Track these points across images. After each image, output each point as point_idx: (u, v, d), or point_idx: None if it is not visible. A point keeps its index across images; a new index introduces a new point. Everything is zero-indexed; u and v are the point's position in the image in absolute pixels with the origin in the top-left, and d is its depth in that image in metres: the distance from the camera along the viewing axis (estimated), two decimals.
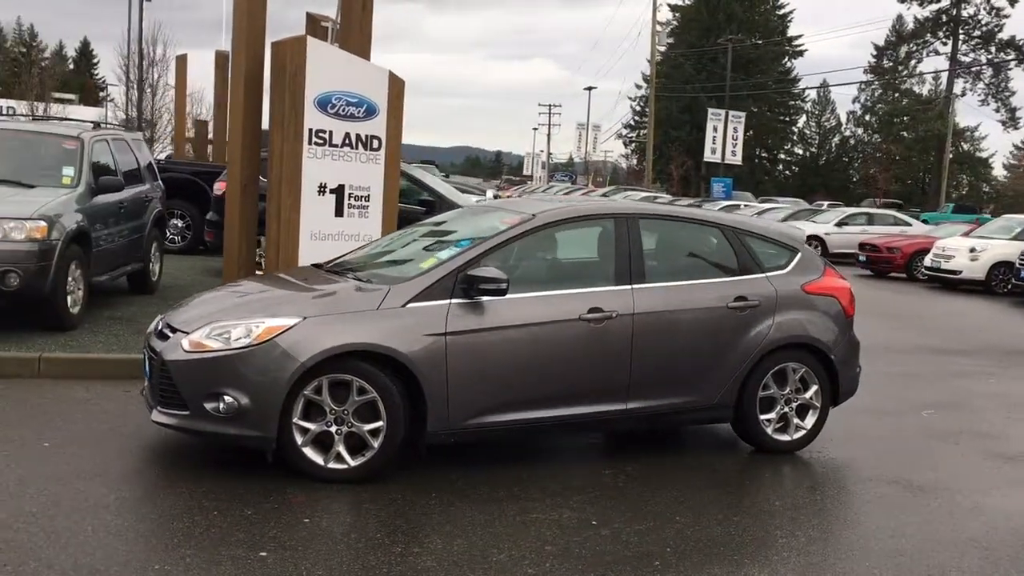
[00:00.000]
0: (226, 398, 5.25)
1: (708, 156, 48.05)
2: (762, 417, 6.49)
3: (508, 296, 5.75)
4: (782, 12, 73.69)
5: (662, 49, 70.83)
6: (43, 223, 8.22)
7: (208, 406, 5.29)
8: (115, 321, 9.30)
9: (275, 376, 5.24)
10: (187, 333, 5.47)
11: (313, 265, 6.76)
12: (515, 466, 5.89)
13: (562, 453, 6.35)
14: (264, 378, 5.25)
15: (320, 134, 9.44)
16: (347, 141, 9.61)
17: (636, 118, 74.52)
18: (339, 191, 9.66)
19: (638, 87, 74.57)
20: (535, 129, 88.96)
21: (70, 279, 8.63)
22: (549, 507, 5.21)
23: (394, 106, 9.91)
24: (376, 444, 5.40)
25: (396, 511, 5.06)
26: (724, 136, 46.59)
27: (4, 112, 35.84)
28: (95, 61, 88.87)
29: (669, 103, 68.96)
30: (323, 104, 9.47)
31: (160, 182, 11.96)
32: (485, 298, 5.65)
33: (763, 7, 72.80)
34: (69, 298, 8.64)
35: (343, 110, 9.57)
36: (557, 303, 5.91)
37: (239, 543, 4.46)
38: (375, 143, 9.82)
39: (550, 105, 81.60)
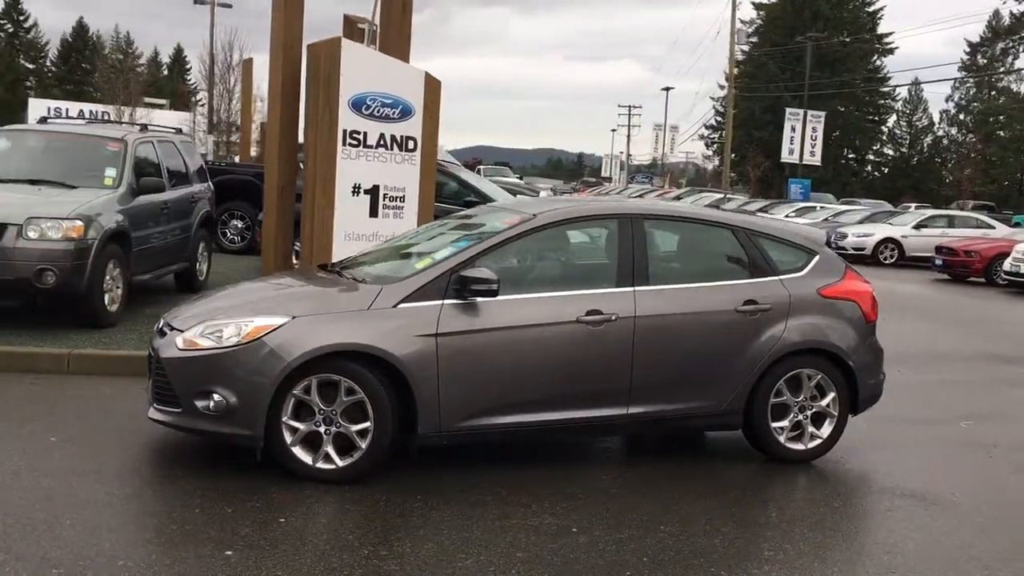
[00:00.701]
0: (215, 396, 5.30)
1: (785, 156, 47.00)
2: (774, 425, 6.28)
3: (504, 297, 5.69)
4: (871, 9, 71.76)
5: (745, 48, 69.76)
6: (79, 223, 8.44)
7: (199, 404, 5.34)
8: (154, 319, 9.42)
9: (262, 375, 5.26)
10: (182, 331, 5.53)
11: (319, 266, 6.78)
12: (511, 470, 5.82)
13: (563, 457, 6.24)
14: (251, 377, 5.27)
15: (354, 135, 9.51)
16: (382, 142, 9.67)
17: (718, 119, 73.48)
18: (373, 191, 9.72)
19: (720, 87, 73.53)
20: (613, 131, 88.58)
21: (108, 278, 8.84)
22: (533, 512, 5.12)
23: (430, 107, 9.93)
24: (364, 445, 5.38)
25: (376, 513, 5.03)
26: (802, 136, 45.52)
27: (91, 117, 37.11)
28: (187, 67, 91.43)
29: (752, 103, 67.84)
30: (358, 105, 9.54)
31: (210, 184, 12.20)
32: (480, 299, 5.60)
33: (852, 4, 71.02)
34: (107, 296, 8.85)
35: (378, 111, 9.63)
36: (554, 305, 5.81)
37: (209, 541, 4.48)
38: (410, 144, 9.86)
39: (629, 106, 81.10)
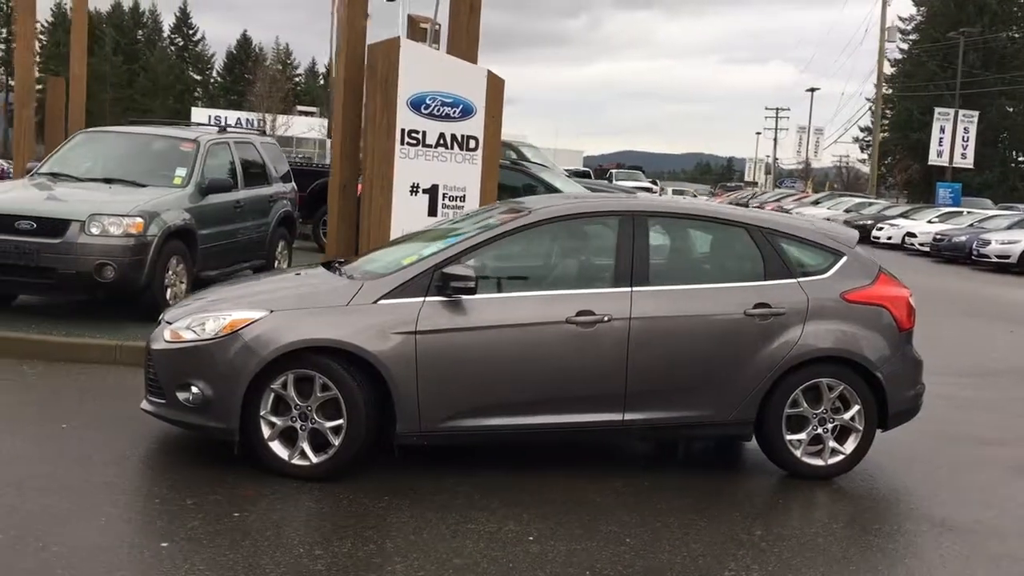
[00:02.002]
0: (193, 388, 5.35)
1: (933, 159, 44.46)
2: (789, 438, 5.86)
3: (490, 295, 5.54)
4: None
5: (902, 47, 66.65)
6: (140, 219, 8.75)
7: (180, 396, 5.41)
8: None
9: (236, 368, 5.27)
10: (170, 324, 5.61)
11: (323, 263, 6.72)
12: (495, 473, 5.63)
13: (555, 463, 5.93)
14: (226, 370, 5.29)
15: (413, 134, 9.51)
16: (441, 141, 9.63)
17: (874, 120, 70.36)
18: (432, 191, 9.68)
19: (876, 87, 70.41)
20: (758, 134, 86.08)
21: (170, 273, 9.13)
22: (497, 518, 4.93)
23: (492, 106, 9.83)
24: (337, 442, 5.32)
25: (333, 512, 4.96)
26: (952, 137, 42.96)
27: (245, 124, 38.76)
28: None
29: (909, 104, 64.69)
30: (416, 105, 9.53)
31: (293, 184, 12.48)
32: (465, 297, 5.45)
33: None
34: (169, 291, 9.13)
35: (438, 110, 9.59)
36: (543, 304, 5.60)
37: (151, 532, 4.52)
38: (471, 143, 9.78)
39: (777, 109, 78.54)
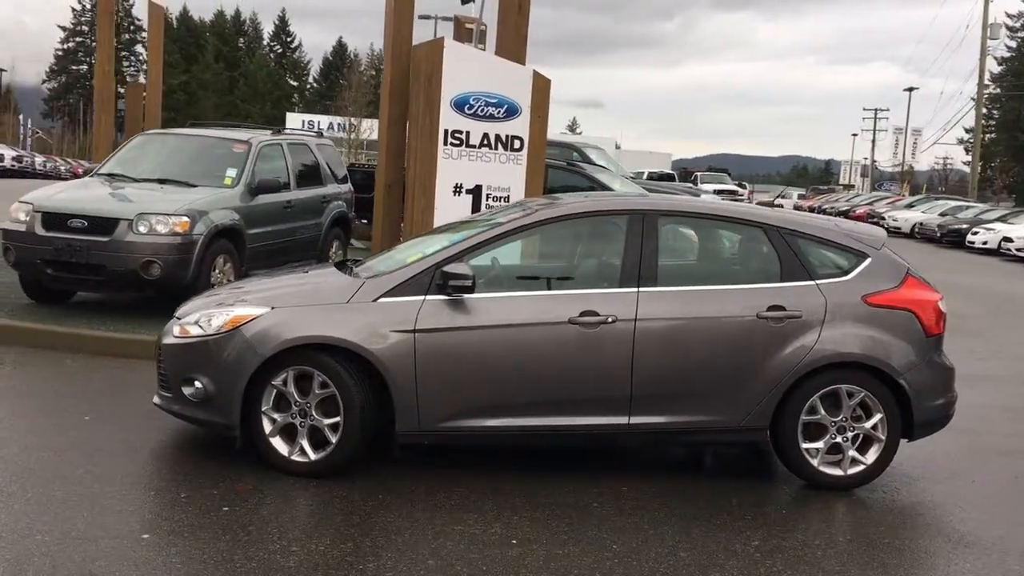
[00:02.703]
0: (196, 383, 5.42)
1: None
2: (805, 446, 5.64)
3: (491, 295, 5.48)
4: None
5: (1011, 44, 64.11)
6: (186, 218, 8.95)
7: (185, 390, 5.48)
8: None
9: (236, 364, 5.32)
10: (180, 319, 5.70)
11: (336, 264, 6.71)
12: (496, 476, 5.54)
13: (562, 467, 5.79)
14: (227, 366, 5.35)
15: (456, 135, 9.50)
16: (485, 142, 9.60)
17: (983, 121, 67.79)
18: (476, 191, 9.67)
19: (986, 86, 67.80)
20: (854, 135, 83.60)
21: (216, 271, 9.31)
22: (486, 520, 4.86)
23: (538, 106, 9.76)
24: (335, 440, 5.32)
25: (321, 508, 4.96)
26: None
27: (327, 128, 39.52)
28: None
29: (1017, 103, 62.16)
30: (460, 105, 9.52)
31: (350, 185, 12.62)
32: (466, 296, 5.40)
33: None
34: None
35: (482, 110, 9.57)
36: (545, 304, 5.50)
37: (136, 523, 4.57)
38: (516, 143, 9.74)
39: (875, 109, 76.14)
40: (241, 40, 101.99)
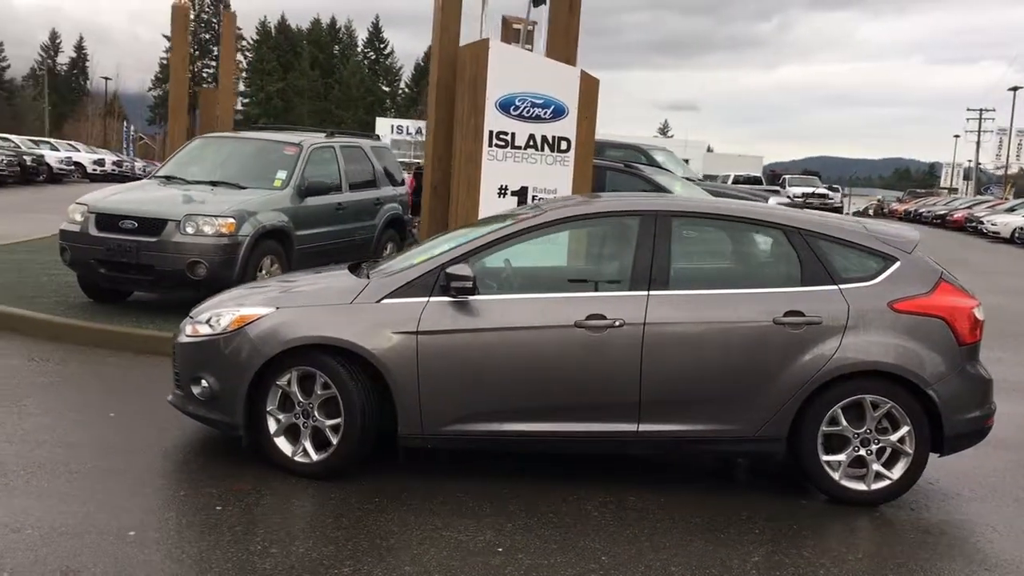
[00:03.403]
0: (203, 382, 5.45)
1: None
2: (825, 458, 5.38)
3: (496, 296, 5.38)
4: None
5: None
6: (231, 219, 9.08)
7: (194, 389, 5.52)
8: None
9: (240, 363, 5.33)
10: (193, 318, 5.74)
11: (349, 266, 6.65)
12: (499, 482, 5.42)
13: (570, 474, 5.62)
14: (231, 365, 5.36)
15: (502, 136, 9.42)
16: (531, 143, 9.50)
17: None
18: (522, 193, 9.56)
19: None
20: (956, 137, 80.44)
21: (263, 272, 9.42)
22: (478, 527, 4.75)
23: (586, 106, 9.63)
24: (335, 441, 5.28)
25: (314, 510, 4.92)
26: None
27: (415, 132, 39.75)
28: None
29: None
30: (506, 106, 9.44)
31: (406, 188, 12.65)
32: (471, 298, 5.30)
33: None
34: None
35: (528, 111, 9.48)
36: (552, 307, 5.36)
37: (127, 520, 4.58)
38: (563, 144, 9.61)
39: (980, 110, 73.09)
40: (336, 47, 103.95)
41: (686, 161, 69.39)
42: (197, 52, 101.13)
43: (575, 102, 9.60)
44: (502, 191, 9.50)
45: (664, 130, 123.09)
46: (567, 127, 9.60)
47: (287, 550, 4.36)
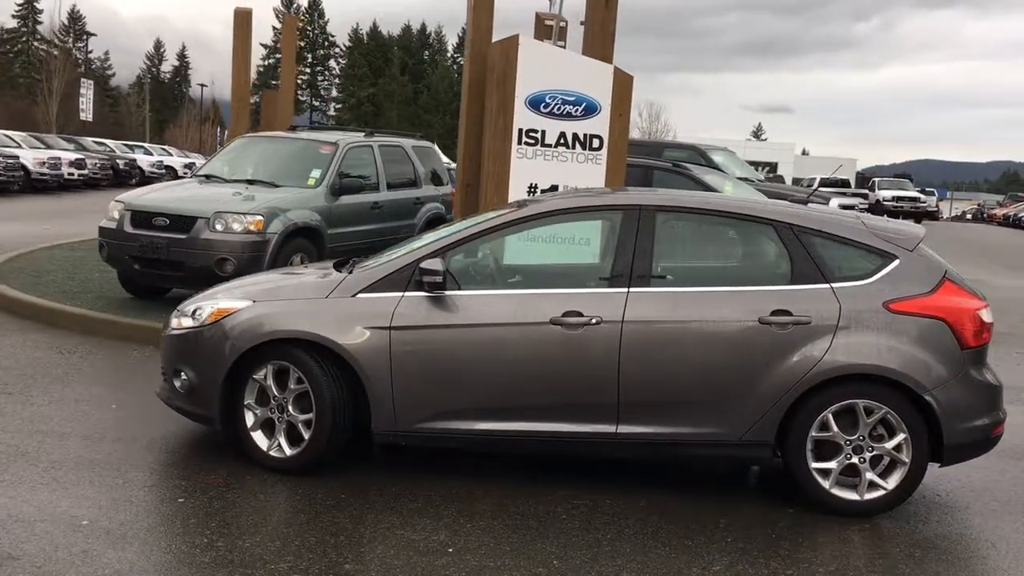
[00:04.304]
0: (182, 375, 5.47)
1: None
2: (815, 466, 5.11)
3: (470, 292, 5.27)
4: None
5: None
6: (260, 217, 9.17)
7: (175, 382, 5.55)
8: None
9: (216, 357, 5.33)
10: (179, 311, 5.77)
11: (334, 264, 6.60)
12: (478, 479, 5.31)
13: (556, 474, 5.46)
14: (208, 358, 5.37)
15: (531, 134, 9.30)
16: (562, 141, 9.35)
17: None
18: (552, 191, 9.43)
19: None
20: None
21: None
22: (436, 527, 4.64)
23: (619, 103, 9.43)
24: (307, 436, 5.24)
25: (273, 505, 4.88)
26: None
27: None
28: None
29: None
30: (536, 103, 9.31)
31: (447, 187, 12.61)
32: (447, 293, 5.21)
33: None
34: None
35: (558, 109, 9.34)
36: (528, 303, 5.22)
37: (82, 509, 4.60)
38: (595, 142, 9.44)
39: None
40: (426, 52, 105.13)
41: (774, 165, 68.16)
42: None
43: (608, 99, 9.41)
44: (532, 190, 9.35)
45: (757, 133, 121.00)
46: (599, 125, 9.41)
47: (233, 544, 4.33)
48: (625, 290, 5.15)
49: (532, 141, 9.33)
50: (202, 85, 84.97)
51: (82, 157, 33.16)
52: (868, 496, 5.10)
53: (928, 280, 5.18)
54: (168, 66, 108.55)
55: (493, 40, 10.07)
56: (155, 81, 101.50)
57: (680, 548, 4.56)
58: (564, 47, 10.03)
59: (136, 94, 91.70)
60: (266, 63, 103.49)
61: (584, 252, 6.19)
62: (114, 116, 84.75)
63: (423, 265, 5.14)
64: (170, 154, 46.41)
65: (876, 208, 42.49)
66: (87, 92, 49.01)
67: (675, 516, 4.98)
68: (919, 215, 42.39)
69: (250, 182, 10.20)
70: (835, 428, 5.08)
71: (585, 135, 9.44)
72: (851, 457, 5.10)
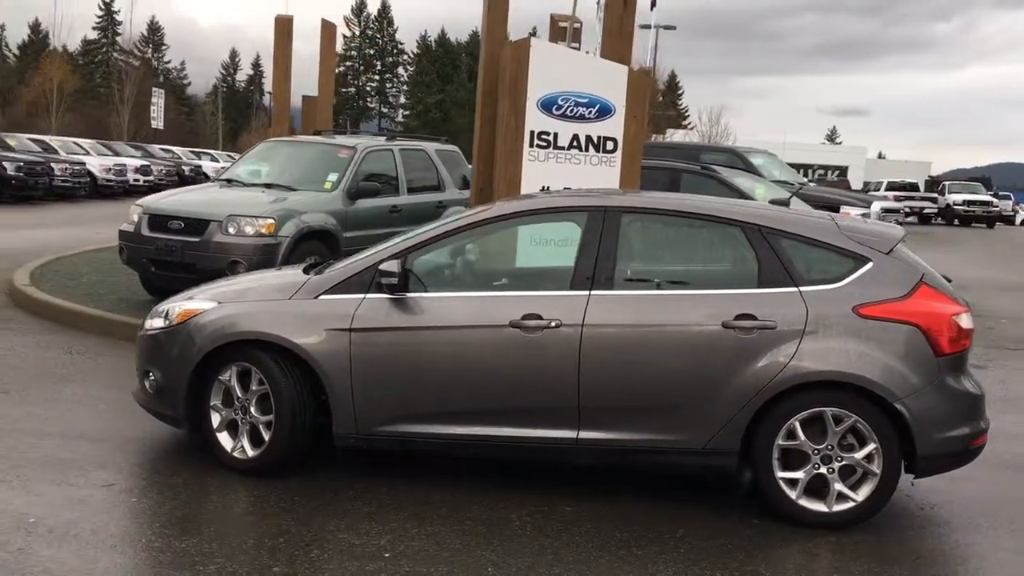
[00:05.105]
0: (150, 375, 5.52)
1: None
2: (782, 475, 4.94)
3: (430, 294, 5.21)
4: None
5: None
6: (271, 220, 9.24)
7: (145, 382, 5.60)
8: None
9: (180, 358, 5.36)
10: (154, 313, 5.82)
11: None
12: (441, 484, 5.24)
13: (516, 480, 5.37)
14: (173, 359, 5.40)
15: (543, 136, 9.22)
16: (575, 143, 9.26)
17: None
18: None
19: None
20: None
21: None
22: (379, 531, 4.58)
23: (634, 105, 9.32)
24: (267, 438, 5.23)
25: (223, 507, 4.90)
26: None
27: None
28: (679, 93, 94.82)
29: None
30: (548, 106, 9.24)
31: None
32: (409, 295, 5.16)
33: None
34: None
35: (571, 111, 9.24)
36: (486, 305, 5.14)
37: (38, 507, 4.65)
38: (609, 145, 9.33)
39: None
40: None
41: (844, 169, 66.59)
42: (362, 67, 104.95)
43: (622, 101, 9.28)
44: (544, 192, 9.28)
45: (832, 136, 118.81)
46: (613, 127, 9.29)
47: (169, 544, 4.33)
48: (587, 293, 5.04)
49: (544, 144, 9.24)
50: (269, 93, 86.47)
51: (148, 163, 34.04)
52: (837, 508, 4.91)
53: (902, 284, 4.96)
54: (243, 75, 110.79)
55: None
56: (230, 90, 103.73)
57: (626, 558, 4.43)
58: (579, 48, 9.93)
59: (211, 103, 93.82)
60: (336, 71, 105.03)
61: (566, 254, 6.10)
62: (190, 124, 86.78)
63: (381, 267, 5.10)
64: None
65: (946, 212, 41.33)
66: (158, 101, 50.23)
67: (632, 525, 4.85)
68: (992, 219, 41.10)
69: (268, 186, 10.30)
70: (802, 437, 4.90)
71: (599, 137, 9.33)
72: (819, 467, 4.91)
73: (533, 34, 12.34)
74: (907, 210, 41.30)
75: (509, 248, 5.90)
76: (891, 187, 42.89)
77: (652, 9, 40.26)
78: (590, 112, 9.29)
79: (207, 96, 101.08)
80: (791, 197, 7.17)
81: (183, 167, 37.88)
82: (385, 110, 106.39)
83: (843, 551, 4.69)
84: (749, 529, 4.89)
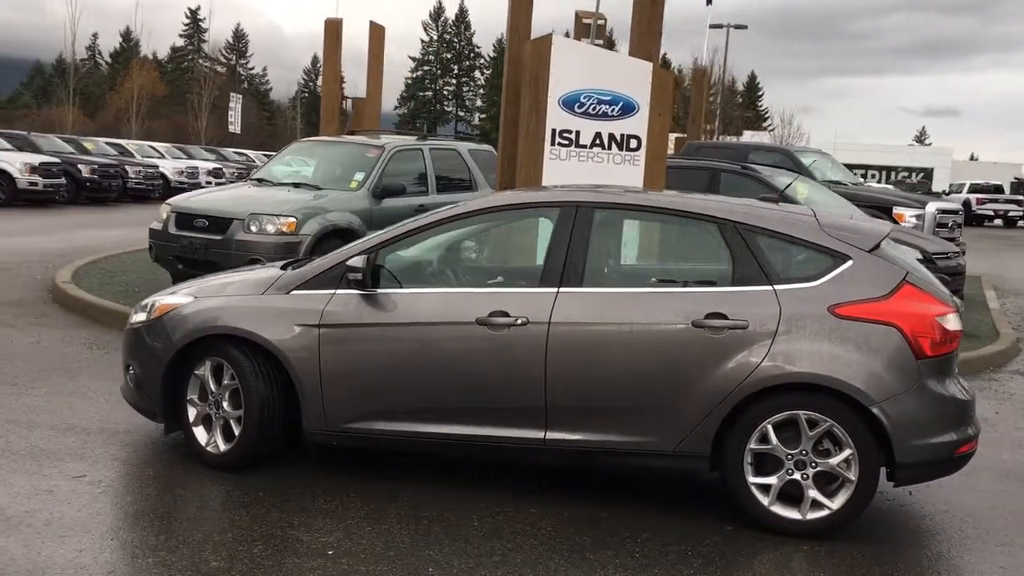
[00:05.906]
0: (131, 369, 5.57)
1: None
2: (754, 480, 4.74)
3: (398, 291, 5.15)
4: None
5: None
6: (292, 219, 9.31)
7: (127, 376, 5.66)
8: None
9: (157, 352, 5.40)
10: (137, 307, 5.87)
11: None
12: (410, 482, 5.17)
13: (491, 479, 5.28)
14: (150, 353, 5.44)
15: (565, 135, 9.11)
16: (598, 141, 9.13)
17: None
18: None
19: None
20: None
21: None
22: (330, 528, 4.53)
23: (658, 102, 9.15)
24: (237, 432, 5.23)
25: (184, 501, 4.88)
26: None
27: None
28: (760, 94, 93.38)
29: None
30: (570, 104, 9.13)
31: None
32: (379, 291, 5.12)
33: None
34: None
35: (593, 109, 9.12)
36: (453, 302, 5.06)
37: (2, 499, 4.73)
38: (632, 143, 9.17)
39: None
40: None
41: (929, 171, 64.69)
42: (439, 71, 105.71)
43: (646, 98, 9.12)
44: None
45: (920, 138, 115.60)
46: (637, 124, 9.13)
47: (115, 536, 4.35)
48: (555, 290, 4.92)
49: (566, 142, 9.13)
50: (346, 98, 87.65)
51: (220, 166, 34.78)
52: (811, 516, 4.69)
53: (884, 283, 4.72)
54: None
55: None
56: (311, 95, 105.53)
57: (576, 562, 4.30)
58: (602, 45, 9.78)
59: (292, 107, 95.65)
60: (414, 75, 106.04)
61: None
62: (270, 129, 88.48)
63: (349, 263, 5.06)
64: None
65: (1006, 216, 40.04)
66: (236, 105, 51.24)
67: (594, 528, 4.70)
68: None
69: (296, 185, 10.39)
70: (775, 441, 4.70)
71: (622, 135, 9.17)
72: (793, 472, 4.70)
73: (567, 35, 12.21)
74: (992, 213, 39.90)
75: (484, 244, 5.81)
76: (974, 189, 41.52)
77: (708, 4, 39.56)
78: (613, 110, 9.14)
79: (290, 101, 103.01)
80: (782, 192, 6.87)
81: (254, 169, 38.61)
82: (462, 114, 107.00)
83: (812, 561, 4.48)
84: (718, 536, 4.70)
